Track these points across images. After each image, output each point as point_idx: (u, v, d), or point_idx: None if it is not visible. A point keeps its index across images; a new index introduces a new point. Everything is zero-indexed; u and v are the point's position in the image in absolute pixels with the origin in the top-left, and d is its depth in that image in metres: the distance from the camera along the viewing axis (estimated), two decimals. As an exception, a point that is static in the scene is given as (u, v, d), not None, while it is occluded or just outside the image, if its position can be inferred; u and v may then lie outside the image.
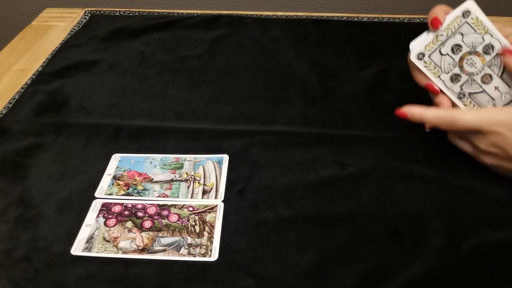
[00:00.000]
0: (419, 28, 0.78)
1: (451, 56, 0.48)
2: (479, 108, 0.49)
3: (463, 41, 0.47)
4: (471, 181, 0.49)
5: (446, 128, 0.48)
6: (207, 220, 0.46)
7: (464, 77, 0.48)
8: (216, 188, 0.50)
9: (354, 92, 0.64)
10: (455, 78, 0.48)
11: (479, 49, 0.47)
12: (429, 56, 0.48)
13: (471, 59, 0.48)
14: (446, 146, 0.53)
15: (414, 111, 0.49)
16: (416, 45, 0.49)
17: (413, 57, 0.49)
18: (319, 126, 0.58)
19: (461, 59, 0.48)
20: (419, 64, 0.49)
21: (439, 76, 0.48)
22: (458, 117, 0.46)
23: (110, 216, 0.47)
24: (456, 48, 0.47)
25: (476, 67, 0.48)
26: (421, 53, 0.48)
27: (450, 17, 0.47)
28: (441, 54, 0.48)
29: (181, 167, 0.52)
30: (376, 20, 0.82)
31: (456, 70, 0.48)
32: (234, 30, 0.79)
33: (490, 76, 0.48)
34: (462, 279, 0.40)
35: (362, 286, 0.40)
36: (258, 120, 0.59)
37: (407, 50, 0.72)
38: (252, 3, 1.19)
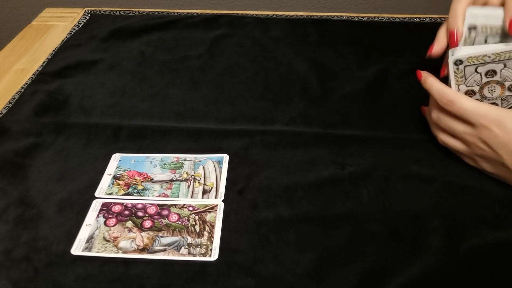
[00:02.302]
0: (419, 28, 0.79)
1: (481, 77, 0.48)
2: (479, 101, 0.49)
3: (501, 71, 0.47)
4: (471, 181, 0.49)
5: (443, 105, 0.48)
6: (207, 219, 0.46)
7: (477, 96, 0.49)
8: (216, 188, 0.50)
9: (354, 92, 0.64)
10: (469, 93, 0.49)
11: (507, 84, 0.48)
12: (464, 67, 0.48)
13: (493, 87, 0.48)
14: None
15: (429, 78, 0.50)
16: (460, 51, 0.48)
17: (451, 60, 0.48)
18: (319, 126, 0.58)
19: (487, 83, 0.48)
20: (452, 67, 0.48)
21: (458, 85, 0.49)
22: (458, 99, 0.47)
23: (110, 216, 0.47)
24: (490, 73, 0.47)
25: (492, 95, 0.49)
26: (459, 61, 0.48)
27: (509, 47, 0.47)
28: (476, 71, 0.48)
29: (181, 167, 0.52)
30: (376, 19, 0.82)
31: (476, 88, 0.49)
32: (234, 30, 0.79)
33: (497, 105, 0.49)
34: (462, 279, 0.40)
35: (362, 286, 0.40)
36: (258, 120, 0.59)
37: (407, 50, 0.73)
38: (252, 3, 1.19)
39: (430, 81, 0.50)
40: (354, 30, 0.79)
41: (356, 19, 0.82)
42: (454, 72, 0.48)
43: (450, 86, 0.49)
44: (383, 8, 1.18)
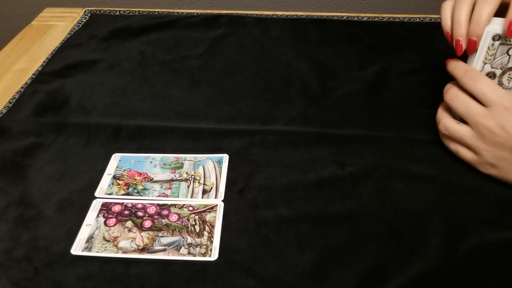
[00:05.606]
0: (419, 28, 0.79)
1: (508, 61, 0.47)
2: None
3: None
4: (471, 181, 0.49)
5: (466, 82, 0.48)
6: (207, 219, 0.46)
7: (496, 81, 0.48)
8: (216, 187, 0.50)
9: (354, 92, 0.64)
10: (490, 76, 0.48)
11: None
12: (499, 44, 0.46)
13: None
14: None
15: (454, 60, 0.50)
16: (501, 26, 0.46)
17: (490, 31, 0.46)
18: (319, 125, 0.58)
19: (510, 69, 0.47)
20: (487, 41, 0.47)
21: (484, 63, 0.48)
22: (481, 76, 0.47)
23: (110, 216, 0.47)
24: None
25: (509, 84, 0.48)
26: (498, 36, 0.46)
27: None
28: (507, 52, 0.47)
29: (181, 167, 0.52)
30: (376, 19, 0.82)
31: (498, 72, 0.48)
32: (234, 30, 0.79)
33: None
34: (462, 279, 0.40)
35: (362, 285, 0.40)
36: (258, 120, 0.59)
37: (407, 50, 0.73)
38: (252, 3, 1.19)
39: (455, 62, 0.50)
40: (354, 30, 0.79)
41: (356, 19, 0.82)
42: (488, 47, 0.47)
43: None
44: (383, 8, 1.18)
